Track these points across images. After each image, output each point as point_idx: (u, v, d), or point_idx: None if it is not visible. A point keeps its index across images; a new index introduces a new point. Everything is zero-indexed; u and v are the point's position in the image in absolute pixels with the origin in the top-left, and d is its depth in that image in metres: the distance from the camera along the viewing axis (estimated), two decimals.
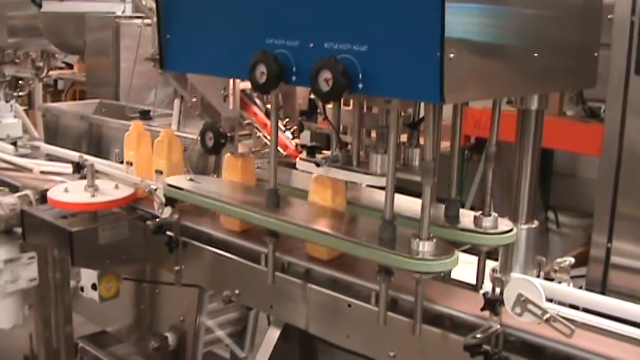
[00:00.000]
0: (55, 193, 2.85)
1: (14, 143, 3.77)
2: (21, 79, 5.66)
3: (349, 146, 2.21)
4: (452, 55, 1.60)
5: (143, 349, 3.58)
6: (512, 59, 1.81)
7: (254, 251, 2.46)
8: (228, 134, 2.41)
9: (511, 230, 2.09)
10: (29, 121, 5.68)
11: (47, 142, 4.31)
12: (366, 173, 2.09)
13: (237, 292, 2.55)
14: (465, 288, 2.20)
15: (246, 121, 2.50)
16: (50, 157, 3.73)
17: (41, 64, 5.37)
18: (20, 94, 5.61)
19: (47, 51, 5.23)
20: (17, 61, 5.67)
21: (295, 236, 2.17)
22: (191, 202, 2.52)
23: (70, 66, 9.64)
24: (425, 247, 1.88)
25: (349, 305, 2.20)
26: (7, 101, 5.36)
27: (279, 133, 2.42)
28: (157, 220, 2.71)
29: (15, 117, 5.42)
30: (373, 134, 2.35)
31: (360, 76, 1.75)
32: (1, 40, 4.37)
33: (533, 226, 2.16)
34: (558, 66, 2.00)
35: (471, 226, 2.14)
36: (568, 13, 1.95)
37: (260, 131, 2.49)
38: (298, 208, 2.29)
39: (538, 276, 2.05)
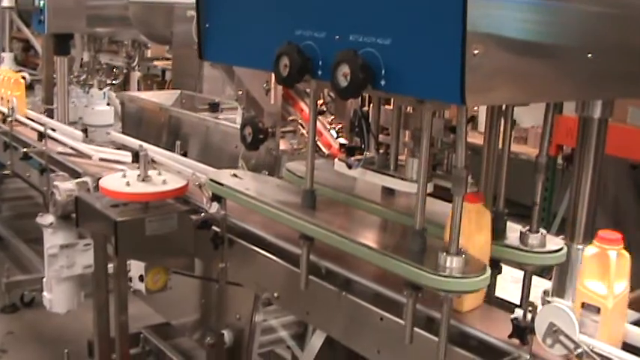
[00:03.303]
0: (107, 182, 2.82)
1: (84, 130, 3.79)
2: (116, 67, 5.76)
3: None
4: (476, 52, 1.43)
5: (202, 345, 3.54)
6: (557, 59, 1.62)
7: (296, 254, 2.34)
8: (270, 130, 2.30)
9: (560, 250, 1.90)
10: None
11: (128, 130, 4.33)
12: (402, 178, 1.94)
13: (275, 295, 2.45)
14: (507, 309, 2.01)
15: (291, 117, 2.38)
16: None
17: (133, 53, 5.45)
18: (114, 82, 5.71)
19: (138, 40, 5.29)
20: (116, 49, 5.80)
21: (322, 240, 2.03)
22: (229, 198, 2.43)
23: None
24: (453, 262, 1.72)
25: (381, 319, 2.06)
26: (100, 89, 5.47)
27: (324, 132, 2.30)
28: (202, 214, 2.64)
29: (108, 104, 5.53)
30: None
31: (383, 71, 1.60)
32: (80, 27, 4.42)
33: None
34: (621, 70, 1.79)
35: (516, 242, 1.96)
36: (632, 12, 1.74)
37: (304, 128, 2.37)
38: (335, 212, 2.16)
39: None
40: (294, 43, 1.79)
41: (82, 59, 5.61)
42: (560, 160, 5.09)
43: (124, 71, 5.80)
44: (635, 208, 5.16)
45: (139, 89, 8.16)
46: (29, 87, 6.10)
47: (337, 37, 1.71)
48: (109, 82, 5.65)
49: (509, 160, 2.02)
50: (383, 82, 1.61)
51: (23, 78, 5.10)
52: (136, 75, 6.25)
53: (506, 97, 1.60)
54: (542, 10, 1.57)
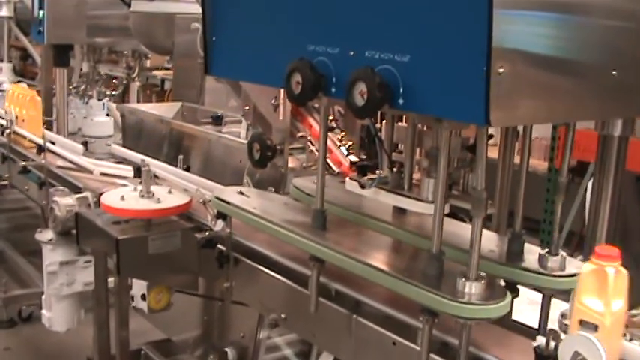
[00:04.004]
0: (108, 198, 2.75)
1: (85, 143, 3.72)
2: (115, 77, 5.69)
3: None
4: (501, 70, 1.36)
5: None
6: (582, 77, 1.55)
7: (304, 274, 2.27)
8: (278, 147, 2.23)
9: None
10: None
11: (129, 143, 4.26)
12: (417, 199, 1.87)
13: (283, 315, 2.37)
14: (525, 333, 1.94)
15: (300, 134, 2.31)
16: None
17: (133, 63, 5.38)
18: (113, 92, 5.64)
19: (138, 51, 5.23)
20: (116, 59, 5.73)
21: (335, 263, 1.96)
22: (235, 217, 2.36)
23: None
24: (472, 288, 1.65)
25: (394, 343, 1.99)
26: (99, 99, 5.40)
27: (334, 149, 2.23)
28: (207, 232, 2.57)
29: (107, 115, 5.45)
30: None
31: (401, 89, 1.53)
32: (80, 38, 4.35)
33: None
34: None
35: (535, 265, 1.89)
36: None
37: (313, 145, 2.30)
38: (346, 232, 2.08)
39: None
40: (306, 59, 1.71)
41: (81, 69, 5.54)
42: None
43: (124, 82, 5.72)
44: None
45: (138, 99, 8.10)
46: None
47: (352, 53, 1.64)
48: (108, 92, 5.57)
49: (528, 177, 1.95)
50: (401, 101, 1.54)
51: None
52: (136, 85, 6.18)
53: (531, 116, 1.53)
54: (569, 26, 1.50)
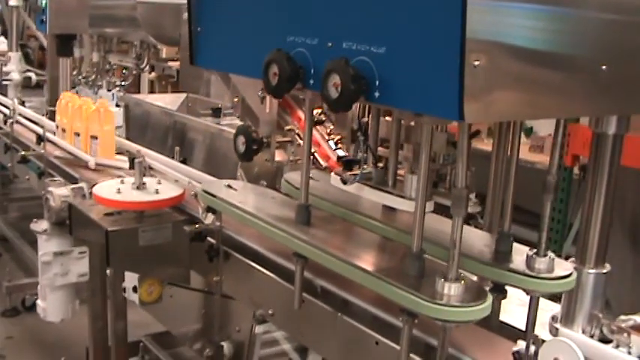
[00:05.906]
0: (100, 189, 2.71)
1: None
2: (126, 68, 5.67)
3: None
4: (476, 62, 1.30)
5: (200, 356, 3.45)
6: (567, 71, 1.48)
7: (292, 271, 2.23)
8: (264, 140, 2.18)
9: (569, 275, 1.76)
10: None
11: (132, 134, 4.23)
12: (400, 196, 1.81)
13: (270, 312, 2.34)
14: (511, 336, 1.88)
15: (288, 127, 2.26)
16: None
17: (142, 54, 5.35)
18: (123, 83, 5.62)
19: (147, 41, 5.19)
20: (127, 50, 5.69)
21: (315, 260, 1.91)
22: (221, 210, 2.31)
23: None
24: (451, 289, 1.59)
25: (377, 343, 1.94)
26: (108, 90, 5.37)
27: (322, 143, 2.17)
28: (197, 225, 2.53)
29: (117, 106, 5.43)
30: None
31: (377, 82, 1.47)
32: (82, 28, 4.32)
33: (604, 271, 1.82)
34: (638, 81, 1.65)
35: (522, 266, 1.82)
36: None
37: (301, 138, 2.24)
38: (332, 229, 2.03)
39: (592, 335, 1.71)
40: (283, 50, 1.66)
41: (91, 59, 5.52)
42: (576, 171, 4.94)
43: (133, 72, 5.69)
44: None
45: (153, 90, 8.05)
46: (37, 86, 6.04)
47: (330, 44, 1.58)
48: (117, 83, 5.55)
49: (517, 175, 1.88)
50: (377, 94, 1.48)
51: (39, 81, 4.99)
52: (146, 76, 6.14)
53: (511, 112, 1.46)
54: (552, 17, 1.43)
